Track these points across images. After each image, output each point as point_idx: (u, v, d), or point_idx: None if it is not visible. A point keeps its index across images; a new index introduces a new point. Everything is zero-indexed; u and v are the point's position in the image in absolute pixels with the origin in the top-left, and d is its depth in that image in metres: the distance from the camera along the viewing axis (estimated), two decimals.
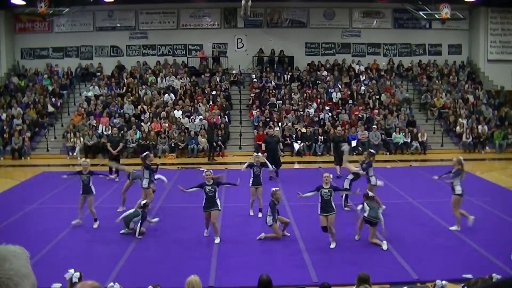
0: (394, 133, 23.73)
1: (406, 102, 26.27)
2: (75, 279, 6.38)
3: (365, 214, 10.56)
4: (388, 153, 23.21)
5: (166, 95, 25.92)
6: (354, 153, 22.92)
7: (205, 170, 11.43)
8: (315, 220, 10.77)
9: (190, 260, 9.84)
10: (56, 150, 23.48)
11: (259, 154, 14.43)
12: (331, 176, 10.87)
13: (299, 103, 25.36)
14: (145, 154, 13.32)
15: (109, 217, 12.36)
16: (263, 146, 17.75)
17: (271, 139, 17.88)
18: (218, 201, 10.86)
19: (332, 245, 10.38)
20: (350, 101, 25.67)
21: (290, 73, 27.88)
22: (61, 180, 13.92)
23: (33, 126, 24.17)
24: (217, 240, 10.70)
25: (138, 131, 23.25)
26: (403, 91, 27.17)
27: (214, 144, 22.25)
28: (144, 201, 11.75)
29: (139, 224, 11.22)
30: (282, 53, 28.95)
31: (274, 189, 11.20)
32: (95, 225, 11.98)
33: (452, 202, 11.54)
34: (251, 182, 12.82)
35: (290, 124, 23.63)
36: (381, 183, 13.39)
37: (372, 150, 14.10)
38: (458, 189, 11.50)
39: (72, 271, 6.41)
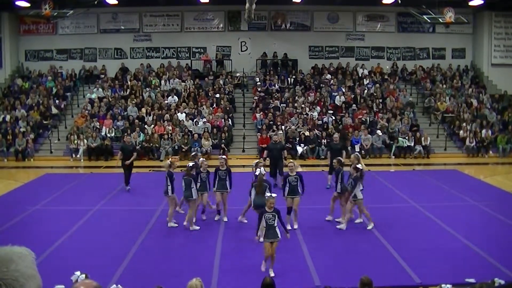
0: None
1: (410, 106, 26.24)
2: None
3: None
4: (393, 156, 23.19)
5: (170, 97, 25.96)
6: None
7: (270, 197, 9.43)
8: (317, 223, 10.77)
9: (193, 262, 9.84)
10: (60, 152, 23.54)
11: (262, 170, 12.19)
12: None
13: (303, 106, 25.37)
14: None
15: (111, 219, 12.36)
16: (265, 153, 16.23)
17: (274, 146, 16.28)
18: (277, 230, 9.22)
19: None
20: (354, 105, 25.67)
21: (293, 76, 27.88)
22: (65, 182, 13.84)
23: (37, 128, 24.22)
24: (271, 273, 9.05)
25: (142, 134, 23.31)
26: (407, 95, 27.14)
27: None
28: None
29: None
30: (285, 56, 28.95)
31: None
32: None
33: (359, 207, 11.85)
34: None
35: (293, 127, 23.63)
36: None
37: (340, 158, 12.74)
38: (360, 195, 11.67)
39: (78, 273, 6.42)
